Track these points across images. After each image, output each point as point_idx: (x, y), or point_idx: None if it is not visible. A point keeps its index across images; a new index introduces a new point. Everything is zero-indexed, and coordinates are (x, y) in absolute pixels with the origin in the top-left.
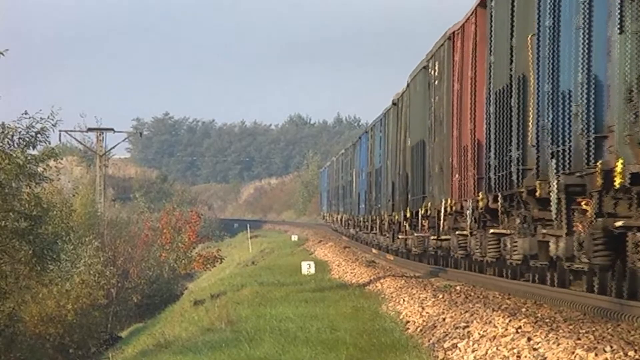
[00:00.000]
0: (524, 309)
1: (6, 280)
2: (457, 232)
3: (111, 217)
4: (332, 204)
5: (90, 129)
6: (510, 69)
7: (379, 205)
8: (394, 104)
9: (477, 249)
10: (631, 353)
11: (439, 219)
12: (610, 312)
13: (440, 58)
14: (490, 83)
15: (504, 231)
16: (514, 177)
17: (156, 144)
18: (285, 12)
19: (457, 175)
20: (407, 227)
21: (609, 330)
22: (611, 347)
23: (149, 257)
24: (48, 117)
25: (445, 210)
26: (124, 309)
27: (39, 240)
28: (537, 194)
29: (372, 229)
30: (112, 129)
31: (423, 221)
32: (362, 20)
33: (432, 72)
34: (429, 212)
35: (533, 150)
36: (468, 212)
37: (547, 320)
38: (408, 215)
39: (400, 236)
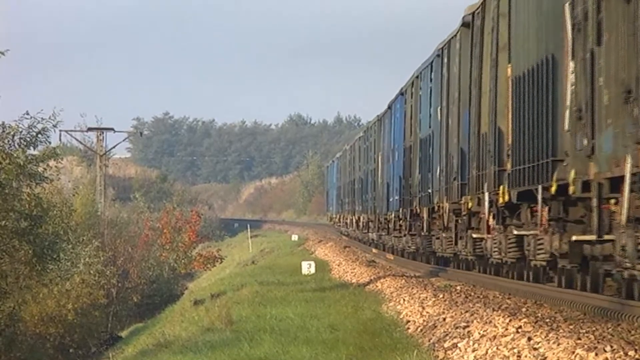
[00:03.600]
0: (524, 309)
1: (6, 280)
2: None
3: (111, 216)
4: (345, 202)
5: (90, 129)
6: None
7: (429, 191)
8: (464, 25)
9: None
10: (631, 353)
11: (602, 202)
12: (611, 311)
13: None
14: None
15: None
16: None
17: (156, 143)
18: (286, 12)
19: None
20: (492, 221)
21: (609, 329)
22: (611, 346)
23: (149, 257)
24: (49, 118)
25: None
26: (124, 308)
27: (39, 240)
28: None
29: (410, 229)
30: (113, 129)
31: (543, 209)
32: (362, 20)
33: None
34: (573, 189)
35: None
36: None
37: (548, 320)
38: (501, 200)
39: (474, 235)
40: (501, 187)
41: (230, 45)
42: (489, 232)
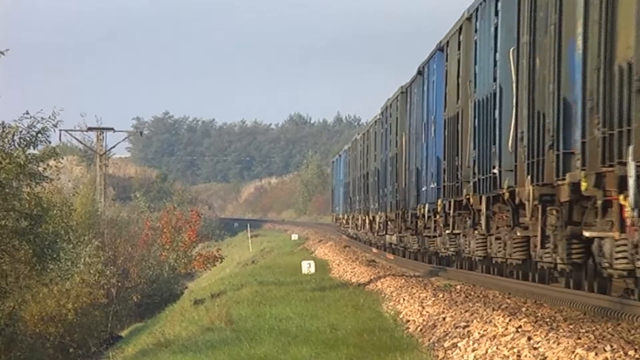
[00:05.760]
0: (524, 309)
1: (6, 279)
2: None
3: (111, 216)
4: (355, 201)
5: (90, 129)
6: None
7: (494, 171)
8: None
9: None
10: (631, 352)
11: None
12: (611, 311)
13: None
14: None
15: None
16: None
17: (156, 143)
18: (285, 12)
19: None
20: (631, 212)
21: (609, 329)
22: (611, 346)
23: (149, 256)
24: (49, 117)
25: None
26: (124, 308)
27: (39, 240)
28: None
29: (454, 226)
30: (112, 129)
31: None
32: (362, 20)
33: None
34: None
35: None
36: None
37: (547, 320)
38: None
39: (587, 233)
40: None
41: (230, 45)
42: (623, 230)
